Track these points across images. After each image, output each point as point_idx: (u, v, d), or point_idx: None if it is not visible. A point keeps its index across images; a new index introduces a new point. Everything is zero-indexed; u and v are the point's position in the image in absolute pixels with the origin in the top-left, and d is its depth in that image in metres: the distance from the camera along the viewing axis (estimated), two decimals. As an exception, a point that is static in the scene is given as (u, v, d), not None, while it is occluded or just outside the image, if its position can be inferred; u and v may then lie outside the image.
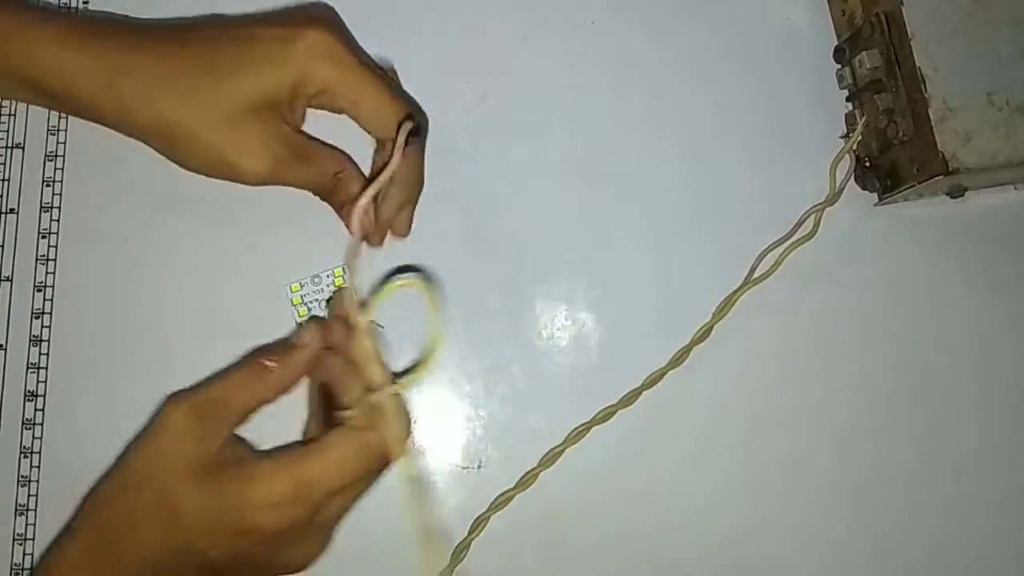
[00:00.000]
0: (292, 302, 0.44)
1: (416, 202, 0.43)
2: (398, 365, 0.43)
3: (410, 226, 0.43)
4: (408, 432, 0.37)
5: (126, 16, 0.45)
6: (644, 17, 0.48)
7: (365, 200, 0.37)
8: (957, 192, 0.44)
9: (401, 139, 0.39)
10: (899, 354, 0.45)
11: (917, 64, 0.41)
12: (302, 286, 0.44)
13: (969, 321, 0.46)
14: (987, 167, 0.40)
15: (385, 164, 0.39)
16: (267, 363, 0.37)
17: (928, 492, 0.44)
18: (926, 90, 0.40)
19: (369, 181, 0.41)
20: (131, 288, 0.44)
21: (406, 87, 0.44)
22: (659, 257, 0.46)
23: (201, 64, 0.38)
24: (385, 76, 0.41)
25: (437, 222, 0.44)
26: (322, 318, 0.43)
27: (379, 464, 0.36)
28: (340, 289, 0.44)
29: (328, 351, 0.38)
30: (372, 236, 0.42)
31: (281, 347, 0.39)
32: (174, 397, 0.37)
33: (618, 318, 0.45)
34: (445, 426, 0.44)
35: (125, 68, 0.37)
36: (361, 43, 0.42)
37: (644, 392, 0.44)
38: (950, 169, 0.40)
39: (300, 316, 0.44)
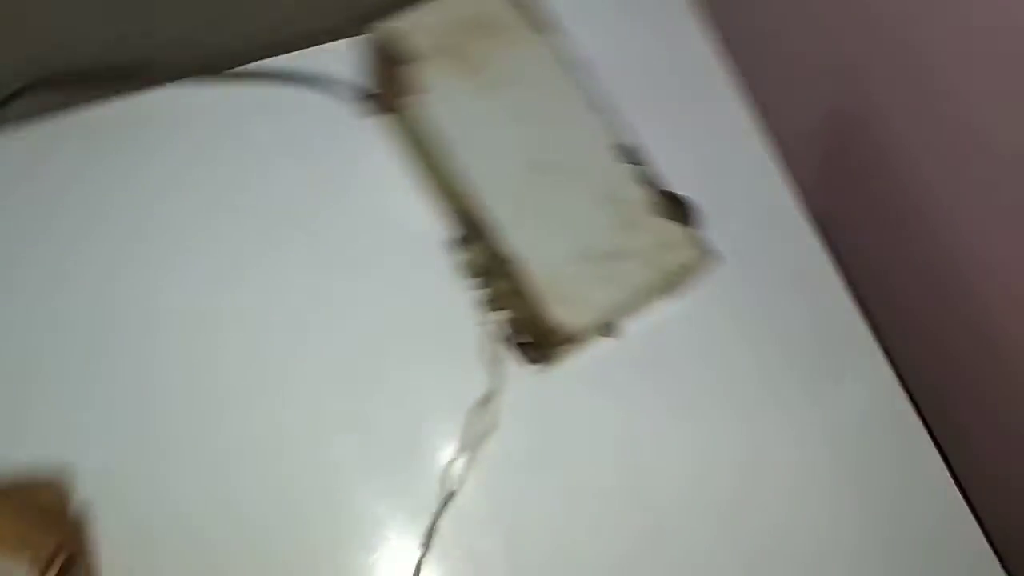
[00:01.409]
0: None
1: None
2: None
3: None
4: None
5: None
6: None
7: None
8: (606, 332, 0.46)
9: None
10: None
11: (510, 248, 0.43)
12: None
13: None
14: (601, 319, 0.43)
15: None
16: None
17: None
18: (526, 270, 0.42)
19: None
20: None
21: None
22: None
23: None
24: None
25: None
26: None
27: None
28: None
29: None
30: None
31: None
32: None
33: None
34: None
35: None
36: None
37: None
38: (570, 337, 0.42)
39: None
